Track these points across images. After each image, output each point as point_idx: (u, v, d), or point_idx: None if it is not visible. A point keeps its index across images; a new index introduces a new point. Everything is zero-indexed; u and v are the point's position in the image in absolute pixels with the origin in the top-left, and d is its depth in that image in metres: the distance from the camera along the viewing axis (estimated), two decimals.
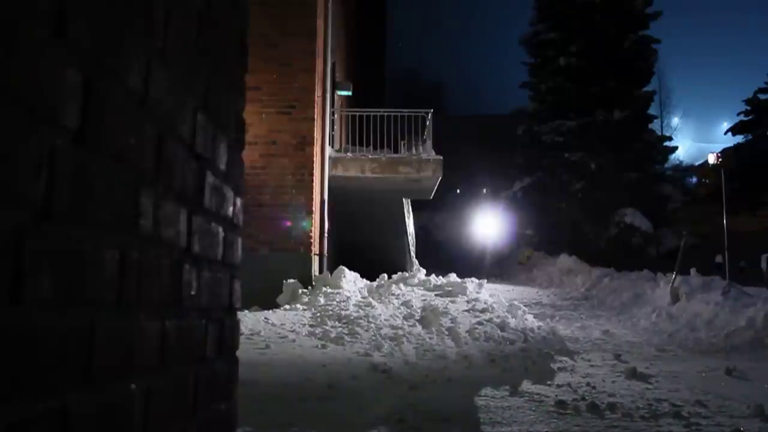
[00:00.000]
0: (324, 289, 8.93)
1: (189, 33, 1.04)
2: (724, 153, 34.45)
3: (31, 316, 0.60)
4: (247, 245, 6.56)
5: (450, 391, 4.75)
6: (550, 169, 27.11)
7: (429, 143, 12.27)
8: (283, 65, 9.84)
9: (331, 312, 7.82)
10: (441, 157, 11.81)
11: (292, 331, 6.98)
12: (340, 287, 9.01)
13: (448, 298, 9.24)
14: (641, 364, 6.26)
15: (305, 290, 8.93)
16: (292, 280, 9.06)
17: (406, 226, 16.82)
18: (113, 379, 0.76)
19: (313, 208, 9.96)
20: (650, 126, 29.70)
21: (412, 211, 19.27)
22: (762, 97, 37.39)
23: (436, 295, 9.54)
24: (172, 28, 0.94)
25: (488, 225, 28.61)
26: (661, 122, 40.91)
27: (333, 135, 11.57)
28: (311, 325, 7.27)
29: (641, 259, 21.84)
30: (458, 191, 35.76)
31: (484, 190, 35.87)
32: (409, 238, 17.89)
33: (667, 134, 36.75)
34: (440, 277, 11.15)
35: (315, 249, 9.97)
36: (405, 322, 7.63)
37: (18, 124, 0.57)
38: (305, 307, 8.14)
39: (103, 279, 0.74)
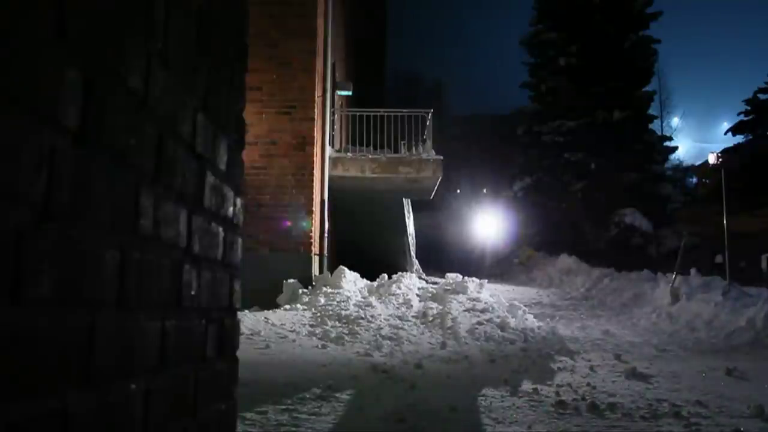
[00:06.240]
0: (324, 289, 8.92)
1: (189, 33, 1.03)
2: (725, 153, 34.41)
3: (31, 316, 0.60)
4: (247, 245, 6.56)
5: (450, 390, 4.75)
6: (550, 169, 27.08)
7: (429, 143, 12.27)
8: (283, 65, 9.84)
9: (331, 312, 7.82)
10: (441, 157, 11.82)
11: (292, 331, 6.99)
12: (340, 287, 9.01)
13: (449, 298, 9.22)
14: (641, 364, 6.25)
15: (305, 290, 8.93)
16: (292, 280, 9.06)
17: (406, 226, 16.83)
18: (113, 380, 0.76)
19: (313, 208, 9.96)
20: (650, 126, 29.64)
21: (412, 211, 19.27)
22: (762, 97, 37.34)
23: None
24: (172, 28, 0.94)
25: (488, 225, 28.61)
26: (661, 122, 40.88)
27: (333, 135, 11.57)
28: (311, 325, 7.27)
29: (641, 259, 21.81)
30: (458, 191, 35.75)
31: (484, 190, 35.86)
32: (409, 238, 17.89)
33: (667, 134, 36.72)
34: (440, 279, 11.15)
35: (315, 249, 9.97)
36: (405, 322, 7.63)
37: (18, 124, 0.57)
38: (305, 307, 8.14)
39: (103, 279, 0.74)
